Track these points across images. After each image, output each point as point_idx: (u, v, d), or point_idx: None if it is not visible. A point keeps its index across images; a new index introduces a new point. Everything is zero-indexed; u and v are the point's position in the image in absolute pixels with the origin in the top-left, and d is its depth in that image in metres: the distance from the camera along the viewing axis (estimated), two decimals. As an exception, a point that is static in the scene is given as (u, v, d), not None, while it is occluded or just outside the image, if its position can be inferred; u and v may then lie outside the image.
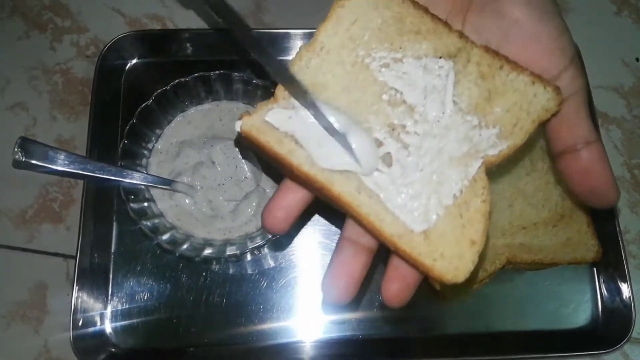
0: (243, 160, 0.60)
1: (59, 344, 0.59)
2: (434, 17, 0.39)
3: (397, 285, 0.36)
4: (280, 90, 0.37)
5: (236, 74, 0.60)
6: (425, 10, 0.39)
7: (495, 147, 0.37)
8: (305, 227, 0.64)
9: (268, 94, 0.60)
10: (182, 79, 0.59)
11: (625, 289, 0.61)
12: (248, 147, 0.37)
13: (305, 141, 0.36)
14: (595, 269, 0.64)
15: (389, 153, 0.37)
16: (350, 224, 0.38)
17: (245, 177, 0.60)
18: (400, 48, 0.38)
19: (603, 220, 0.62)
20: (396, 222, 0.35)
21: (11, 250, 0.63)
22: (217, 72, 0.60)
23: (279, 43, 0.70)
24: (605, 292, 0.63)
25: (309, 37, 0.68)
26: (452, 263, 0.35)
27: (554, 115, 0.37)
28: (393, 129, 0.37)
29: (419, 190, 0.36)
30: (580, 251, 0.58)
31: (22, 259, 0.63)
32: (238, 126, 0.37)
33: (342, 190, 0.36)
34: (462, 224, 0.35)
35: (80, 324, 0.57)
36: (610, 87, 0.72)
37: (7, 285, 0.62)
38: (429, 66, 0.38)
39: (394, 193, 0.36)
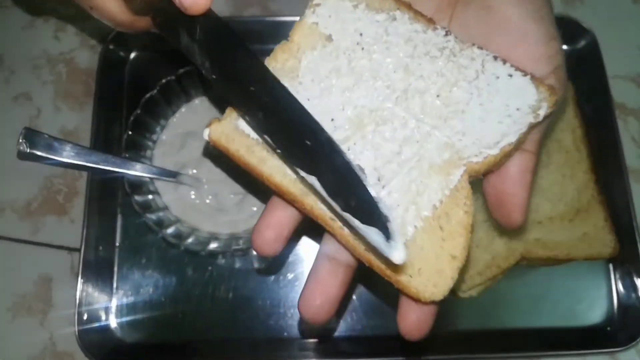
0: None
1: (65, 338, 0.59)
2: (417, 13, 0.36)
3: (414, 317, 0.34)
4: None
5: (242, 63, 0.58)
6: (408, 6, 0.36)
7: (480, 154, 0.34)
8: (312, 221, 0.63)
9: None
10: (187, 69, 0.58)
11: (642, 285, 0.59)
12: (217, 154, 0.36)
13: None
14: (611, 264, 0.62)
15: (366, 162, 0.34)
16: (327, 239, 0.36)
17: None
18: (382, 48, 0.35)
19: (620, 215, 0.60)
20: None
21: (16, 242, 0.63)
22: (223, 61, 0.58)
23: (285, 31, 0.68)
24: (621, 288, 0.61)
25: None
26: (431, 280, 0.33)
27: (547, 117, 0.34)
28: (370, 135, 0.34)
29: (396, 201, 0.33)
30: (597, 247, 0.56)
31: (27, 252, 0.62)
32: (206, 134, 0.35)
33: (314, 202, 0.34)
34: (441, 237, 0.33)
35: (85, 317, 0.57)
36: (628, 77, 0.70)
37: (13, 278, 0.61)
38: (410, 67, 0.35)
39: None
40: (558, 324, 0.60)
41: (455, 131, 0.34)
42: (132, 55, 0.68)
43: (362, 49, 0.35)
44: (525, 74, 0.34)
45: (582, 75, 0.67)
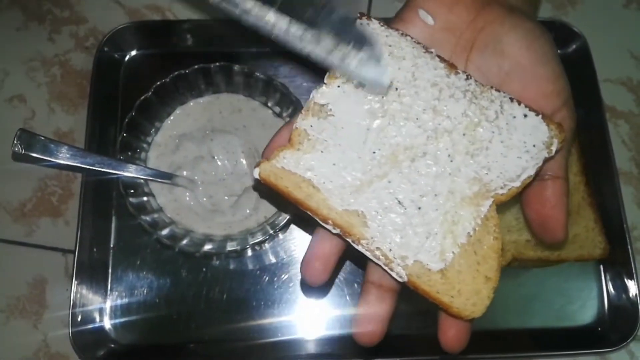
0: (243, 155, 0.59)
1: (58, 339, 0.59)
2: (440, 59, 0.39)
3: (453, 332, 0.38)
4: (296, 135, 0.38)
5: (237, 66, 0.59)
6: (430, 53, 0.39)
7: (505, 186, 0.37)
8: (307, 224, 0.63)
9: (269, 86, 0.59)
10: (182, 71, 0.58)
11: (632, 286, 0.59)
12: (267, 190, 0.39)
13: (321, 183, 0.37)
14: (602, 266, 0.62)
15: (404, 195, 0.37)
16: (371, 267, 0.39)
17: (246, 172, 0.59)
18: (411, 92, 0.38)
19: (610, 217, 0.61)
20: (414, 262, 0.37)
21: (10, 244, 0.62)
22: (217, 64, 0.59)
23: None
24: (611, 289, 0.62)
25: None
26: (470, 299, 0.36)
27: (557, 152, 0.38)
28: (406, 170, 0.37)
29: (434, 230, 0.37)
30: (588, 248, 0.57)
31: (21, 253, 0.62)
32: (256, 173, 0.38)
33: (361, 233, 0.37)
34: (476, 261, 0.37)
35: (79, 319, 0.57)
36: (618, 81, 0.71)
37: (6, 280, 0.61)
38: (438, 108, 0.38)
39: (411, 234, 0.37)
40: (549, 324, 0.60)
41: (482, 166, 0.37)
42: (127, 57, 0.68)
43: (394, 92, 0.38)
44: (538, 114, 0.37)
45: (573, 78, 0.66)
